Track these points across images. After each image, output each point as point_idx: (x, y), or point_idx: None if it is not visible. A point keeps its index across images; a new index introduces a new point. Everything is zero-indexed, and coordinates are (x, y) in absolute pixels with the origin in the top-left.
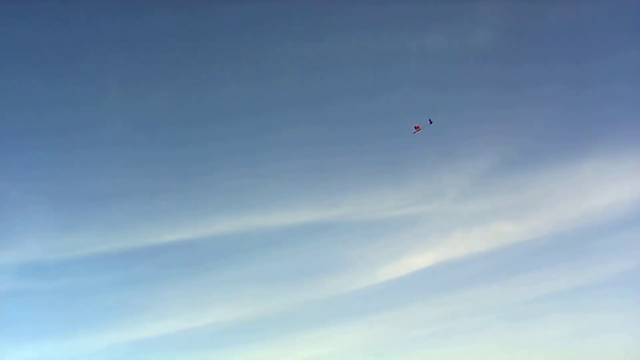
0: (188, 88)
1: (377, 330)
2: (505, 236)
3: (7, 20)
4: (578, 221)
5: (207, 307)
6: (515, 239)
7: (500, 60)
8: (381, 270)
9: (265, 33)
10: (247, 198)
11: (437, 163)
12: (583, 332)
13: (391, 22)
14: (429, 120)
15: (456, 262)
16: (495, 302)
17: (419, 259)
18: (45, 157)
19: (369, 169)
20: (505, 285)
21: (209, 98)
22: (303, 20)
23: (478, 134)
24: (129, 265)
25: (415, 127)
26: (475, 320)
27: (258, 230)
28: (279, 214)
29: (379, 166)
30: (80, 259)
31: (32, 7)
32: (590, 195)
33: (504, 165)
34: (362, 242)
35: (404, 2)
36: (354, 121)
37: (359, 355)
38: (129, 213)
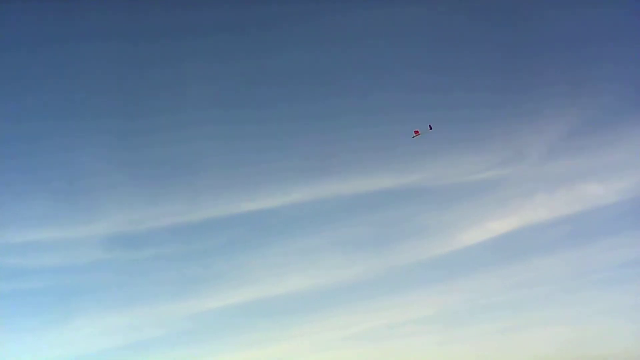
0: (267, 49)
1: (457, 297)
2: (590, 199)
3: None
4: None
5: (285, 275)
6: (601, 201)
7: None
8: (461, 235)
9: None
10: (325, 165)
11: (518, 124)
12: None
13: None
14: (429, 126)
15: (538, 227)
16: (579, 268)
17: (500, 224)
18: (129, 130)
19: (448, 133)
20: (589, 249)
21: (285, 62)
22: None
23: (560, 94)
24: (210, 234)
25: (415, 132)
26: (557, 286)
27: (336, 197)
28: (358, 181)
29: (458, 130)
30: (163, 229)
31: None
32: None
33: (588, 126)
34: (441, 207)
35: None
36: (431, 87)
37: (437, 322)
38: (210, 184)
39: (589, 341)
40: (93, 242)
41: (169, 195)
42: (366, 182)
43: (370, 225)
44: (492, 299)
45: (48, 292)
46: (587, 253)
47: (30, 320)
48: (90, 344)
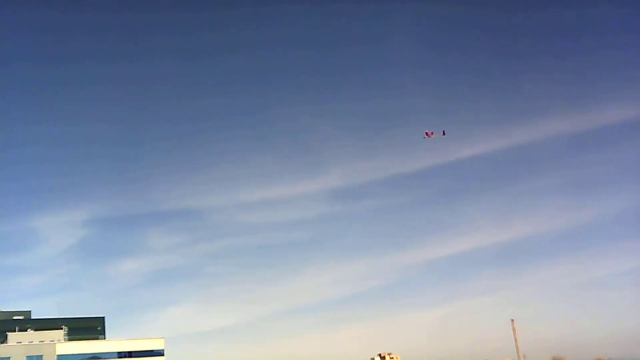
0: None
1: None
2: None
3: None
4: None
5: (508, 222)
6: None
7: None
8: None
9: None
10: (548, 104)
11: None
12: None
13: None
14: (443, 131)
15: None
16: None
17: None
18: (337, 84)
19: None
20: None
21: None
22: None
23: None
24: (429, 183)
25: (426, 134)
26: None
27: (561, 136)
28: (590, 115)
29: None
30: (381, 181)
31: None
32: None
33: None
34: None
35: None
36: None
37: None
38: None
39: None
40: (318, 197)
41: (383, 149)
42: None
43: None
44: None
45: (281, 246)
46: None
47: (266, 271)
48: (321, 294)
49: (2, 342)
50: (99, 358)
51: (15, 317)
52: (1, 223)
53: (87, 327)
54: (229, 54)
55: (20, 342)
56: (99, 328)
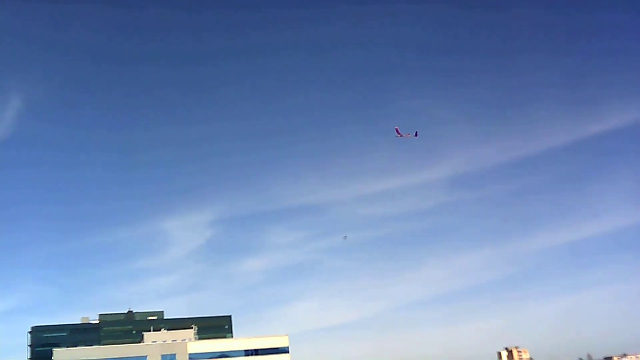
0: None
1: None
2: None
3: None
4: None
5: None
6: None
7: None
8: None
9: None
10: None
11: None
12: None
13: None
14: (415, 132)
15: None
16: None
17: None
18: (463, 68)
19: None
20: None
21: None
22: None
23: None
24: (553, 165)
25: (397, 131)
26: None
27: None
28: None
29: None
30: (502, 166)
31: None
32: None
33: None
34: None
35: None
36: None
37: None
38: (546, 114)
39: None
40: (437, 186)
41: (504, 130)
42: None
43: None
44: None
45: (401, 238)
46: None
47: (386, 264)
48: (442, 286)
49: (139, 342)
50: (227, 356)
51: (149, 318)
52: (135, 226)
53: (216, 326)
54: (347, 49)
55: (155, 342)
56: (226, 326)
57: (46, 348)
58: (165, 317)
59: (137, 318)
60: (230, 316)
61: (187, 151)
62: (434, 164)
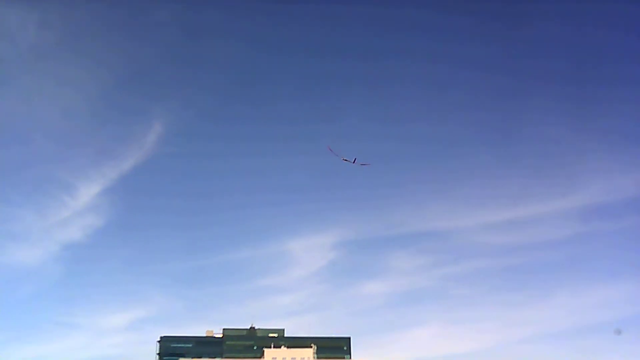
0: None
1: None
2: None
3: None
4: None
5: None
6: None
7: None
8: None
9: None
10: None
11: None
12: None
13: None
14: (354, 159)
15: None
16: None
17: None
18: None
19: None
20: None
21: None
22: None
23: None
24: None
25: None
26: None
27: None
28: None
29: None
30: None
31: None
32: None
33: None
34: None
35: None
36: None
37: None
38: None
39: None
40: (571, 215)
41: None
42: None
43: None
44: None
45: (530, 268)
46: None
47: (514, 294)
48: (576, 319)
49: (260, 357)
50: None
51: (270, 335)
52: (260, 246)
53: (335, 347)
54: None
55: (275, 358)
56: (345, 348)
57: (173, 357)
58: (285, 335)
59: (259, 334)
60: (349, 338)
61: (314, 176)
62: (569, 193)
